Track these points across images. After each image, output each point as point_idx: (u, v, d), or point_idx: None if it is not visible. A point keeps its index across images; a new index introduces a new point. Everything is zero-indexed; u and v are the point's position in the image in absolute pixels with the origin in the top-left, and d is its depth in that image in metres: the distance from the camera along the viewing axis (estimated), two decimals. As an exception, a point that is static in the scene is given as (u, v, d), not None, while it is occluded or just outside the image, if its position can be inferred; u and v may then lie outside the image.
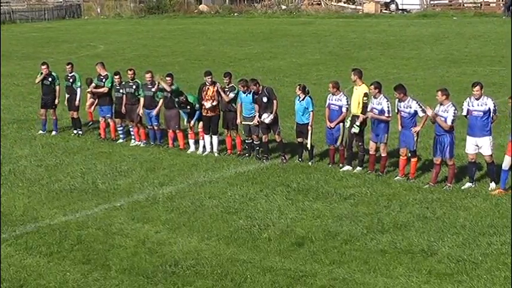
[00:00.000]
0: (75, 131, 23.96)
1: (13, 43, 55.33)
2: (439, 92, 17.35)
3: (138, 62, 40.99)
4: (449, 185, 17.33)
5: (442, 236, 14.29)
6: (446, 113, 17.10)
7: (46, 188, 18.21)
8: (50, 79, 23.99)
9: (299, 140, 19.77)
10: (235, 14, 75.36)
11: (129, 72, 22.30)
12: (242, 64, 40.52)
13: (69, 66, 24.03)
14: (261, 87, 20.00)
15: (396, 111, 17.99)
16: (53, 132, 24.13)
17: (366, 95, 18.69)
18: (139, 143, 22.26)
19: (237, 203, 16.57)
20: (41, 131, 24.31)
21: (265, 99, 19.69)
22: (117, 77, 22.46)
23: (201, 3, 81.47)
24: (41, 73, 23.96)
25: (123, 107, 22.15)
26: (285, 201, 16.59)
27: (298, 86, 19.60)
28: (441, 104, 17.30)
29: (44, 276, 13.06)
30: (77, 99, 23.72)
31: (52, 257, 13.86)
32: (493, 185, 17.05)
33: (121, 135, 22.85)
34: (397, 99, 17.99)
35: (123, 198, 17.15)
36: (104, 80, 22.80)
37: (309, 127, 19.35)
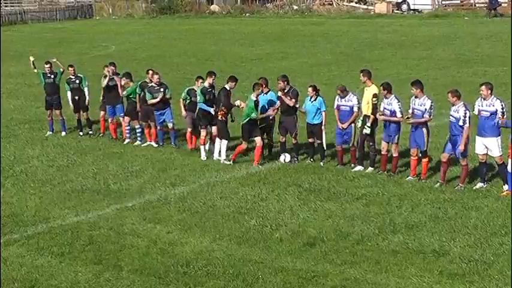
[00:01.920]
0: (82, 132, 23.88)
1: (25, 43, 55.52)
2: (450, 94, 17.33)
3: (150, 62, 41.01)
4: (461, 185, 17.29)
5: (454, 236, 14.26)
6: (457, 113, 17.06)
7: (58, 188, 18.26)
8: (52, 76, 23.85)
9: (310, 140, 19.75)
10: (247, 14, 75.38)
11: (152, 74, 21.95)
12: (254, 64, 40.53)
13: (72, 68, 23.76)
14: (289, 86, 19.93)
15: (411, 110, 17.91)
16: (63, 133, 24.13)
17: (375, 95, 18.66)
18: (152, 143, 22.20)
19: (249, 203, 16.57)
20: (49, 132, 24.31)
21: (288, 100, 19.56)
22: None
23: (212, 4, 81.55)
24: (42, 73, 23.88)
25: (139, 108, 22.05)
26: (296, 202, 16.58)
27: (310, 86, 19.58)
28: (453, 105, 17.28)
29: (55, 276, 13.09)
30: (87, 99, 23.72)
31: (64, 257, 13.89)
32: (506, 186, 16.98)
33: (128, 135, 22.76)
34: (413, 96, 17.91)
35: (135, 199, 17.18)
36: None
37: (323, 127, 19.32)
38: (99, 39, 57.45)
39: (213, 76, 20.62)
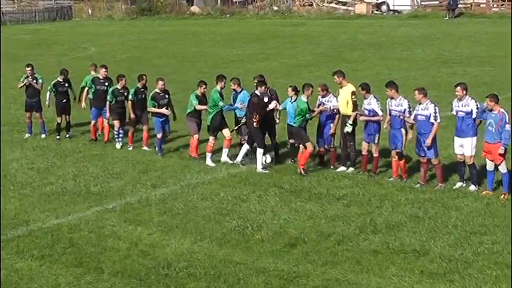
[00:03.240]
0: (59, 136, 23.55)
1: (3, 45, 55.18)
2: (416, 91, 17.44)
3: (130, 64, 40.95)
4: (440, 185, 17.38)
5: (434, 235, 14.32)
6: (427, 111, 17.18)
7: (38, 191, 18.17)
8: (34, 81, 23.78)
9: (291, 141, 19.78)
10: (227, 16, 75.35)
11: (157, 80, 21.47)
12: (234, 65, 40.51)
13: (63, 75, 23.62)
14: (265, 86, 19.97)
15: (388, 111, 18.00)
16: (43, 135, 24.01)
17: (353, 93, 18.76)
18: (145, 147, 21.79)
19: (230, 205, 16.56)
20: (27, 134, 24.17)
21: (266, 99, 19.58)
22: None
23: (192, 5, 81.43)
24: (26, 76, 23.75)
25: (132, 112, 21.65)
26: (277, 202, 16.59)
27: (290, 87, 19.61)
28: (420, 103, 17.40)
29: (35, 279, 13.02)
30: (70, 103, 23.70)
31: (44, 260, 13.82)
32: (472, 187, 17.10)
33: (120, 139, 22.27)
34: (389, 98, 18.00)
35: (116, 201, 17.11)
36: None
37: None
38: (78, 41, 57.24)
39: (224, 80, 20.30)
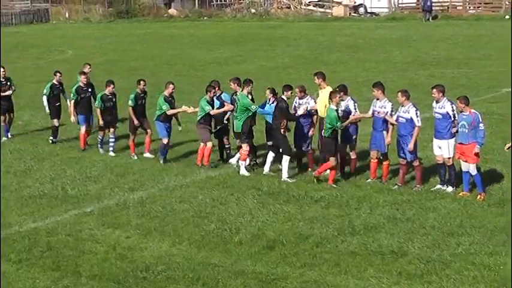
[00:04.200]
0: (54, 139, 23.33)
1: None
2: (399, 94, 17.53)
3: (108, 66, 40.82)
4: (418, 186, 17.46)
5: (412, 237, 14.39)
6: (408, 114, 17.27)
7: (15, 194, 18.06)
8: (8, 83, 23.69)
9: (269, 143, 19.78)
10: (205, 18, 75.25)
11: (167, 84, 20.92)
12: (212, 68, 40.53)
13: (58, 75, 23.43)
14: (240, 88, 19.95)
15: (371, 111, 18.03)
16: (3, 138, 23.79)
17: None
18: (147, 154, 21.19)
19: (208, 207, 16.55)
20: (4, 138, 23.96)
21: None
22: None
23: (170, 7, 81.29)
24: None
25: (135, 119, 20.97)
26: (256, 205, 16.59)
27: (269, 89, 19.63)
28: (402, 105, 17.49)
29: (13, 283, 12.94)
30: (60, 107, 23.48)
31: (21, 264, 13.74)
32: (450, 188, 17.20)
33: (112, 146, 21.68)
34: (374, 99, 18.01)
35: (93, 204, 17.05)
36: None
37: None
38: (55, 44, 56.98)
39: (251, 84, 19.49)
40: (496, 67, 37.94)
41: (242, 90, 19.51)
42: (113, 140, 21.73)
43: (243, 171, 18.95)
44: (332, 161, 17.85)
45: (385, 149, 17.93)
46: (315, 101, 19.13)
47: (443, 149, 17.21)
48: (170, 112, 20.30)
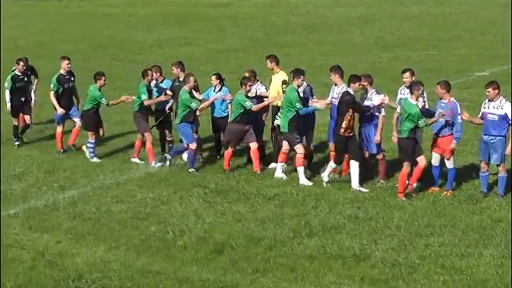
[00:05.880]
0: (18, 142, 22.11)
1: None
2: (362, 79, 17.55)
3: (34, 49, 40.36)
4: (382, 181, 17.58)
5: (376, 238, 14.49)
6: (370, 101, 17.30)
7: None
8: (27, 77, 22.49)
9: (216, 135, 19.78)
10: (144, -6, 74.86)
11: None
12: (152, 51, 40.43)
13: (21, 63, 22.19)
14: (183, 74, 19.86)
15: (329, 99, 18.02)
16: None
17: (284, 82, 18.82)
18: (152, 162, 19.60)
19: (148, 208, 16.51)
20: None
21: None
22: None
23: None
24: None
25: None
26: (201, 204, 16.59)
27: (215, 75, 19.61)
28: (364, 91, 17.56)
29: None
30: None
31: None
32: (416, 184, 17.37)
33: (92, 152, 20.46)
34: (333, 85, 18.00)
35: (19, 205, 16.89)
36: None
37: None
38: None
39: (302, 76, 17.94)
40: (467, 49, 38.44)
41: (163, 78, 19.73)
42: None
43: (303, 181, 17.72)
44: (421, 161, 16.65)
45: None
46: (266, 88, 19.15)
47: None
48: (111, 103, 20.15)
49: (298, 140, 17.82)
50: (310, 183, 17.68)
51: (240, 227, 15.28)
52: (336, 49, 39.81)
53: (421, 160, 16.62)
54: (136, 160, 19.82)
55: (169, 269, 13.46)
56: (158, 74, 20.36)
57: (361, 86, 17.33)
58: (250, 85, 18.71)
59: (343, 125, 17.03)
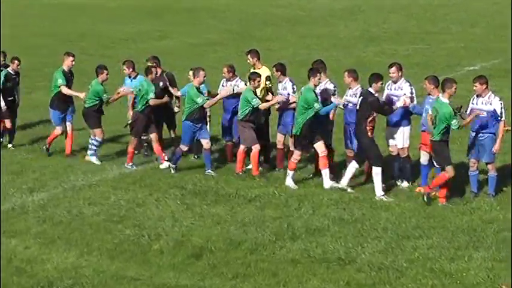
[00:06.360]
0: (11, 144, 21.91)
1: None
2: (346, 73, 17.71)
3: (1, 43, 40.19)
4: (367, 181, 17.68)
5: (362, 240, 14.58)
6: (355, 97, 17.42)
7: None
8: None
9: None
10: (115, -14, 74.76)
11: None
12: (125, 45, 40.37)
13: (16, 62, 22.07)
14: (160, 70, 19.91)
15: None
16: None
17: (268, 78, 18.90)
18: (164, 164, 19.46)
19: (123, 210, 16.52)
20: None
21: (161, 85, 19.58)
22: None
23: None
24: None
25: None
26: (179, 206, 16.63)
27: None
28: (349, 88, 17.67)
29: None
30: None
31: None
32: (404, 184, 17.51)
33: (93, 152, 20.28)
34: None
35: (-16, 208, 16.89)
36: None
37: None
38: None
39: (318, 75, 17.61)
40: (456, 42, 38.63)
41: (136, 73, 19.80)
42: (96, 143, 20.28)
43: (289, 182, 17.80)
44: (450, 171, 16.45)
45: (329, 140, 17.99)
46: (245, 83, 19.23)
47: (397, 139, 17.45)
48: (111, 99, 20.01)
49: (306, 145, 17.78)
50: (296, 187, 17.70)
51: (219, 230, 15.33)
52: (320, 43, 39.90)
53: (450, 170, 16.42)
54: (165, 164, 19.35)
55: (145, 274, 13.48)
56: (131, 70, 20.35)
57: (383, 86, 17.34)
58: (259, 81, 18.48)
59: (369, 126, 16.91)
